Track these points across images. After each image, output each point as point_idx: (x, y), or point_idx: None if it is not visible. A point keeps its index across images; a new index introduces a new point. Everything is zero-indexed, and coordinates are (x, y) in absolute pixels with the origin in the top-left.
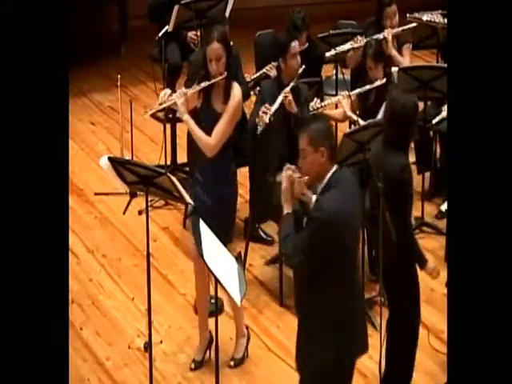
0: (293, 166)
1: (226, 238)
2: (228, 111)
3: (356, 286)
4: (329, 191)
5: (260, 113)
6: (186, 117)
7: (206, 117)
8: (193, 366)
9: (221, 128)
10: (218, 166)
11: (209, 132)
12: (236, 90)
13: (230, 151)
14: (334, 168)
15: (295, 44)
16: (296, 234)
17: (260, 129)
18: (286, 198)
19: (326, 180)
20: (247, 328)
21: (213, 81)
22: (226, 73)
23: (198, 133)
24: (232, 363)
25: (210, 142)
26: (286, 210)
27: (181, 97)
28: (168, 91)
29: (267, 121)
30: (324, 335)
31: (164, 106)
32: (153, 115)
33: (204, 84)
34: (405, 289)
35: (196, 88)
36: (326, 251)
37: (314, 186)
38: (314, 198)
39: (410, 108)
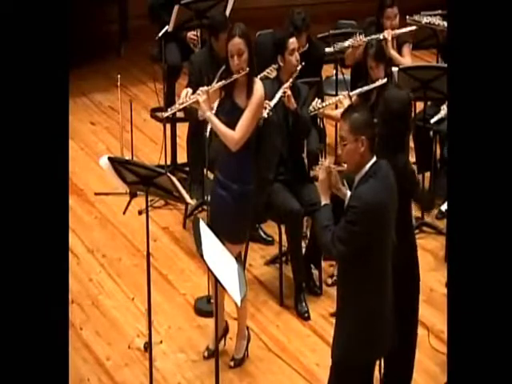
0: (328, 160)
1: (241, 236)
2: (251, 106)
3: (389, 279)
4: (367, 182)
5: None
6: (209, 114)
7: (228, 112)
8: (206, 354)
9: (245, 122)
10: (238, 165)
11: (231, 127)
12: (258, 85)
13: (250, 148)
14: (374, 159)
15: (293, 40)
16: (335, 225)
17: (260, 122)
18: (324, 189)
19: (364, 170)
20: (248, 329)
21: (235, 77)
22: (248, 68)
23: (222, 128)
24: (232, 363)
25: (235, 135)
26: (324, 201)
27: (203, 94)
28: (190, 90)
29: (266, 115)
30: (353, 327)
31: (185, 104)
32: (152, 115)
33: (226, 81)
34: (406, 289)
35: (218, 84)
36: (364, 241)
37: (350, 177)
38: (349, 194)
39: (402, 103)
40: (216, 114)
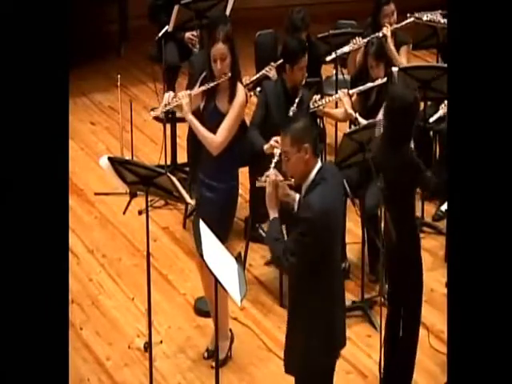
0: (274, 171)
1: (224, 236)
2: (233, 110)
3: (338, 284)
4: (315, 189)
5: (272, 141)
6: (191, 117)
7: (210, 116)
8: (206, 355)
9: (226, 126)
10: (221, 166)
11: (213, 131)
12: (240, 90)
13: (233, 150)
14: (319, 164)
15: (305, 58)
16: (287, 237)
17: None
18: (271, 203)
19: (311, 177)
20: (231, 330)
21: (217, 81)
22: (230, 73)
23: (203, 132)
24: (213, 363)
25: (216, 139)
26: (272, 214)
27: (185, 97)
28: (172, 93)
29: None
30: (308, 334)
31: (169, 107)
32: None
33: (209, 85)
34: (408, 289)
35: (200, 88)
36: (317, 251)
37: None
38: (298, 197)
39: (409, 101)
40: (197, 118)
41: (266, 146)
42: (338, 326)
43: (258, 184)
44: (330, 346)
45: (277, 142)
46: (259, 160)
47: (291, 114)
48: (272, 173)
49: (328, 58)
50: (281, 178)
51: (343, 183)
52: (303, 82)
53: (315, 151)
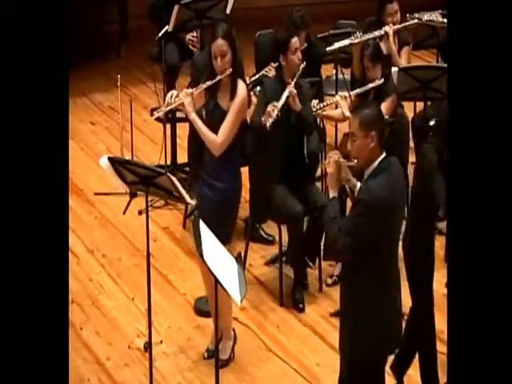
0: (336, 152)
1: (226, 237)
2: (233, 108)
3: (396, 277)
4: (376, 177)
5: (268, 108)
6: (194, 116)
7: (212, 114)
8: (206, 355)
9: (227, 126)
10: (224, 165)
11: (216, 129)
12: (241, 87)
13: (235, 149)
14: (383, 155)
15: (296, 40)
16: (343, 217)
17: (269, 124)
18: (333, 183)
19: (374, 166)
20: (234, 330)
21: (218, 78)
22: (231, 69)
23: (205, 132)
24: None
25: (217, 140)
26: (332, 194)
27: (187, 97)
28: (174, 92)
29: (275, 116)
30: (363, 324)
31: (171, 107)
32: (153, 115)
33: (210, 82)
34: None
35: (202, 87)
36: (370, 235)
37: (360, 171)
38: (359, 185)
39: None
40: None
41: (263, 117)
42: (389, 323)
43: (321, 166)
44: (377, 340)
45: (274, 105)
46: (258, 160)
47: (288, 91)
48: (335, 153)
49: (328, 49)
50: (343, 159)
51: (403, 177)
52: (301, 66)
53: (381, 143)
